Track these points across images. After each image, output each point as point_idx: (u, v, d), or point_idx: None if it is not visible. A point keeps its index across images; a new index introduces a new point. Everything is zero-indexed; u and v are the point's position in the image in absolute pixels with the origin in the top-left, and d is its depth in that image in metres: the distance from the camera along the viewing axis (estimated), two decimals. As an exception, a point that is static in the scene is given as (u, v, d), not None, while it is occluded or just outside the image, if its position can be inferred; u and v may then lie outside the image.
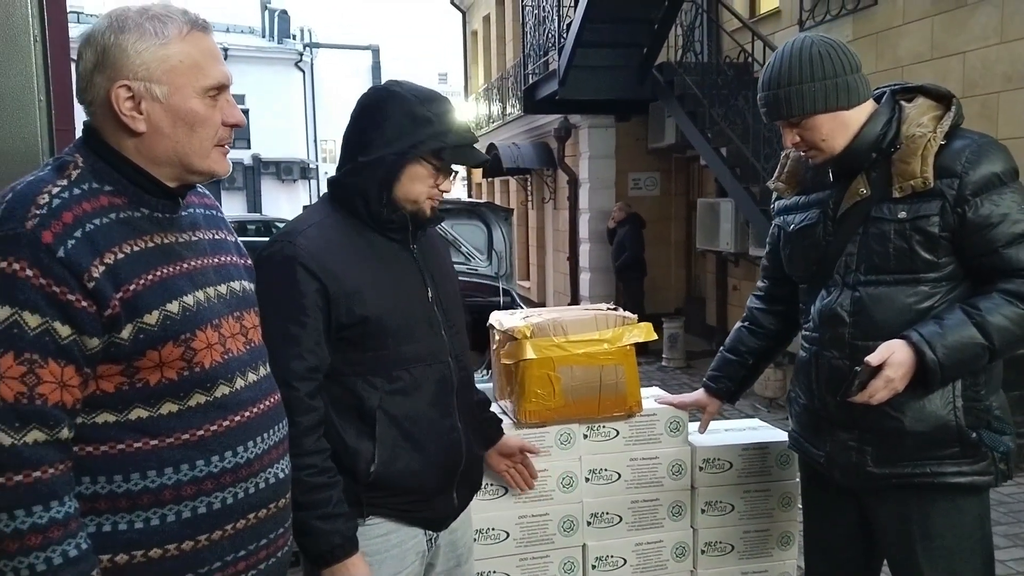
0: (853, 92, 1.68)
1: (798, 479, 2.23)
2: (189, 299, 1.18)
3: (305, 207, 1.77)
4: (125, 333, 1.11)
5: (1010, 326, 1.60)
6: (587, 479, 2.11)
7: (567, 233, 11.25)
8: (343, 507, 1.46)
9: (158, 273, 1.16)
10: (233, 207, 24.49)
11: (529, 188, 13.72)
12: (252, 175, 26.19)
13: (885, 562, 1.90)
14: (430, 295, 1.60)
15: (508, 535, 2.05)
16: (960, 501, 1.71)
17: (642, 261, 8.95)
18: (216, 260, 1.28)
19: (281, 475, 1.29)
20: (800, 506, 2.26)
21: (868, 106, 1.72)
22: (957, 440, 1.67)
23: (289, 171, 26.69)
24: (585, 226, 10.47)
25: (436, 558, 1.66)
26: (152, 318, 1.13)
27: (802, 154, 1.80)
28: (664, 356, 8.23)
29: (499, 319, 2.15)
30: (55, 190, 1.11)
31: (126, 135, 1.16)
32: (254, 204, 25.80)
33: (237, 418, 1.22)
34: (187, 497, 1.16)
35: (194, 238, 1.25)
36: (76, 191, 1.13)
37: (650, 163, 10.24)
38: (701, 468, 2.17)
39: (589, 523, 2.12)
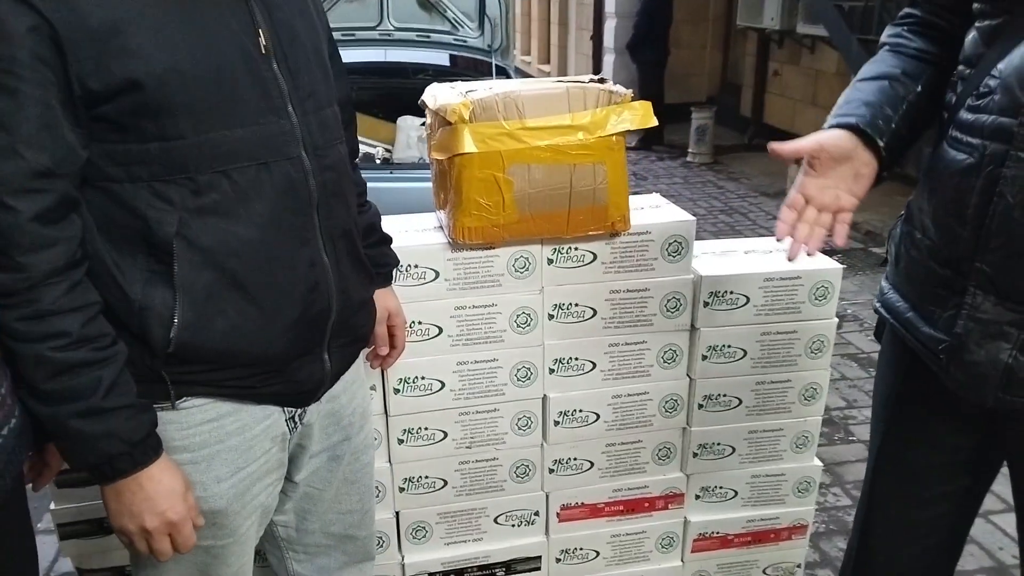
0: None
1: (836, 318, 1.69)
2: None
3: None
4: None
5: None
6: (551, 316, 1.58)
7: (591, 7, 10.01)
8: (125, 395, 0.93)
9: None
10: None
11: (552, -46, 12.17)
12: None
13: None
14: (263, 44, 0.97)
15: (443, 385, 1.57)
16: None
17: (661, 41, 7.79)
18: None
19: None
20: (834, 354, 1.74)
21: None
22: None
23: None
24: (612, -2, 9.25)
25: (308, 439, 1.17)
26: None
27: None
28: (690, 151, 7.47)
29: (433, 93, 1.52)
30: None
31: None
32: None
33: None
34: None
35: None
36: None
37: (691, -81, 8.79)
38: (706, 303, 1.62)
39: (552, 370, 1.62)
